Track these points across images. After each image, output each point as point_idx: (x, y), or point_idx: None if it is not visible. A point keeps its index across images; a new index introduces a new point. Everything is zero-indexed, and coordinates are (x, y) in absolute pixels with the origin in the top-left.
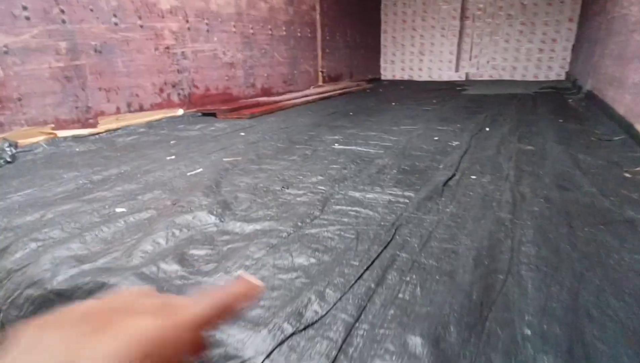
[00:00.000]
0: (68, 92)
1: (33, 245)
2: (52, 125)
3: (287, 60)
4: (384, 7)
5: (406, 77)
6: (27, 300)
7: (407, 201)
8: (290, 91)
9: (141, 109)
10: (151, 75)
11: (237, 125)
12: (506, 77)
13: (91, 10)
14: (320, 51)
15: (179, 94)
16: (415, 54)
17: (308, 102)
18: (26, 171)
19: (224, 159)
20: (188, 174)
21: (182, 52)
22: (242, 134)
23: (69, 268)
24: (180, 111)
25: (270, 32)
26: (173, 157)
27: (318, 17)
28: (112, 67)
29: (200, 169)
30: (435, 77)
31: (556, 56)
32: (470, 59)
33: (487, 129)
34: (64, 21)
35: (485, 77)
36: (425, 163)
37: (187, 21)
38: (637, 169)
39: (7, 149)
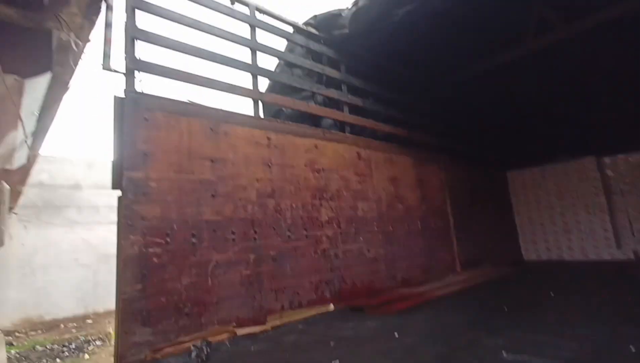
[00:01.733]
0: (249, 294)
1: None
2: (234, 323)
3: (423, 251)
4: (512, 190)
5: (554, 257)
6: None
7: None
8: (429, 280)
9: (300, 306)
10: (310, 275)
11: (387, 323)
12: None
13: (274, 229)
14: (454, 239)
15: (330, 290)
16: (559, 232)
17: (451, 292)
18: None
19: None
20: None
21: (335, 253)
22: (396, 335)
23: None
24: (331, 306)
25: (407, 227)
26: None
27: (449, 209)
28: (283, 271)
29: None
30: (592, 256)
31: None
32: (633, 235)
33: None
34: (255, 239)
35: None
36: None
37: (340, 227)
38: None
39: (205, 348)
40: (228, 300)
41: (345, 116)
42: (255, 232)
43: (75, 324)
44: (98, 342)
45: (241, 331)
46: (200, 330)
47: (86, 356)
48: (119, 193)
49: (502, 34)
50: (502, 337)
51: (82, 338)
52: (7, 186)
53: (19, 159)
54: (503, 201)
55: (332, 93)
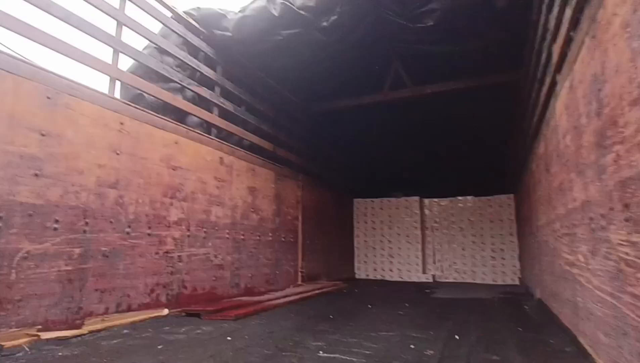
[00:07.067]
0: (66, 293)
1: None
2: (39, 326)
3: (270, 261)
4: (356, 216)
5: (379, 277)
6: None
7: None
8: (272, 290)
9: (129, 309)
10: (146, 276)
11: (222, 328)
12: (468, 279)
13: (111, 222)
14: (300, 254)
15: (167, 294)
16: (385, 256)
17: (289, 302)
18: None
19: None
20: None
21: (179, 256)
22: (229, 338)
23: None
24: (165, 311)
25: (258, 237)
26: None
27: (300, 225)
28: (114, 269)
29: None
30: (406, 278)
31: (507, 263)
32: (434, 263)
33: (457, 337)
34: (85, 231)
35: (450, 279)
36: None
37: (189, 230)
38: None
39: None
40: (36, 299)
41: (214, 118)
42: (87, 224)
43: None
44: None
45: (48, 335)
46: None
47: None
48: None
49: (367, 79)
50: (323, 340)
51: None
52: None
53: None
54: (347, 224)
55: (204, 92)
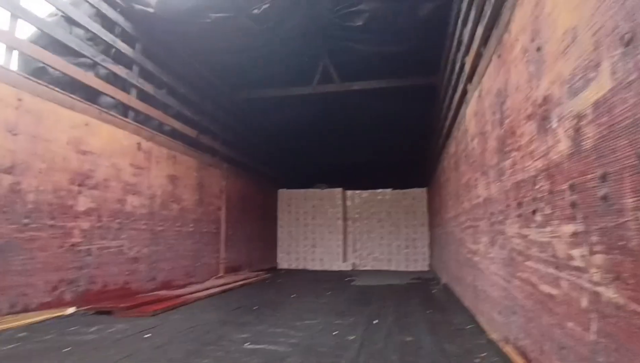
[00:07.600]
0: None
1: None
2: None
3: (191, 253)
4: (280, 206)
5: (300, 267)
6: None
7: None
8: (192, 283)
9: (25, 309)
10: (47, 272)
11: (139, 325)
12: (384, 267)
13: (4, 211)
14: (223, 244)
15: (73, 291)
16: (308, 246)
17: (211, 295)
18: None
19: None
20: None
21: (88, 249)
22: (147, 336)
23: None
24: (70, 310)
25: (179, 228)
26: None
27: (223, 215)
28: (6, 265)
29: None
30: (327, 267)
31: (418, 251)
32: (354, 252)
33: (375, 322)
34: None
35: (369, 267)
36: (329, 359)
37: (100, 220)
38: (483, 355)
39: None
40: None
41: (132, 100)
42: None
43: None
44: None
45: None
46: None
47: None
48: None
49: (297, 72)
50: (248, 331)
51: None
52: None
53: None
54: (270, 215)
55: (120, 70)
